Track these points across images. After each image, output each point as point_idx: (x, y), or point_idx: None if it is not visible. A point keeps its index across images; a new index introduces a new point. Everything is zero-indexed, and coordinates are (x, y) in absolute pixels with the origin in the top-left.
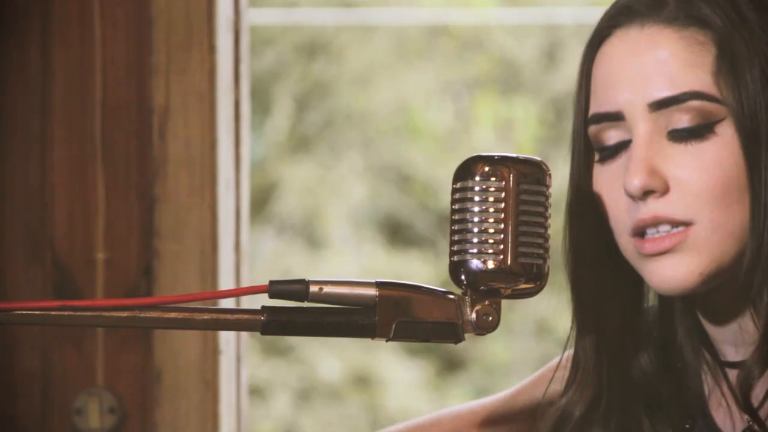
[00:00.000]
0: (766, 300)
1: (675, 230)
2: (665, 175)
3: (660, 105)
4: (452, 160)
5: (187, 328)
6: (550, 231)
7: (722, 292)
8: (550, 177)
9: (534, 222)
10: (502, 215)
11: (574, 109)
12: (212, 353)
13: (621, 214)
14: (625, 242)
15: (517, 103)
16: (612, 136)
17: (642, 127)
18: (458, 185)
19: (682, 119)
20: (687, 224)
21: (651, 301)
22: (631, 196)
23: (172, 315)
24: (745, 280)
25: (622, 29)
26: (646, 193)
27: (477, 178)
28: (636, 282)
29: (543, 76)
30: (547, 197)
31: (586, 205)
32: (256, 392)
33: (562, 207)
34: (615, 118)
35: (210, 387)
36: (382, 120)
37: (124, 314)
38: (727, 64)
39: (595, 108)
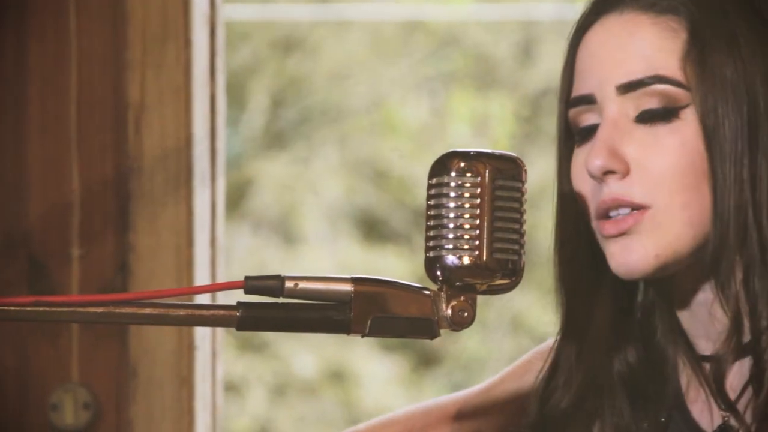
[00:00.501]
0: (735, 289)
1: (634, 212)
2: (627, 157)
3: (627, 88)
4: (428, 156)
5: (162, 323)
6: (525, 227)
7: (690, 281)
8: (525, 173)
9: (509, 218)
10: (478, 211)
11: (558, 97)
12: (187, 349)
13: (588, 197)
14: (594, 225)
15: (493, 99)
16: (586, 119)
17: (609, 109)
18: (434, 181)
19: (648, 102)
20: (645, 207)
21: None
22: (593, 177)
23: (148, 311)
24: (711, 268)
25: (603, 17)
26: (606, 174)
27: (453, 174)
28: None
29: (519, 73)
30: (522, 193)
31: (569, 192)
32: (232, 388)
33: (537, 203)
34: (588, 101)
35: (185, 383)
36: (358, 116)
37: (99, 310)
38: (696, 52)
39: (573, 92)
